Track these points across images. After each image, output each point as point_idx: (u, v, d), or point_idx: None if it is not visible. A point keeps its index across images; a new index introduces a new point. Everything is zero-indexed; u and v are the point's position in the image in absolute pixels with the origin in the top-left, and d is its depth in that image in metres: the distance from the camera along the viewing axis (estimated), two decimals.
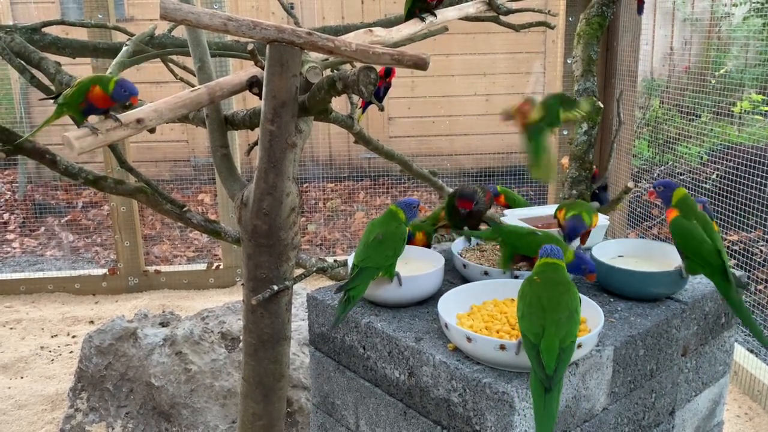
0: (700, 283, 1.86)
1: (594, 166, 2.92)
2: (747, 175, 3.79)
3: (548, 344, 1.33)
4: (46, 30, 2.94)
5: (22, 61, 2.47)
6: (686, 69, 5.09)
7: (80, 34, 4.20)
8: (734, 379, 3.52)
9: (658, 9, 5.29)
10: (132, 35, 2.81)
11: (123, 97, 1.83)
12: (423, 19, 2.37)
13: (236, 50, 2.94)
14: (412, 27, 2.43)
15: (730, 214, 3.78)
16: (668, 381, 1.74)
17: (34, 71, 2.46)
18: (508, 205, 2.74)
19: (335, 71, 1.82)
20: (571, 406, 1.46)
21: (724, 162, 4.48)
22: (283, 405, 2.14)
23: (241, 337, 2.13)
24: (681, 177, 4.99)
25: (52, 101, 1.97)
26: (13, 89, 6.14)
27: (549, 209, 2.39)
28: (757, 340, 1.62)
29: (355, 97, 2.62)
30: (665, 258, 1.85)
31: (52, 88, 2.42)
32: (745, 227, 3.76)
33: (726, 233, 4.01)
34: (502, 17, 2.96)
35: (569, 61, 4.33)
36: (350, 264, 1.73)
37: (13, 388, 3.68)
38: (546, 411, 1.30)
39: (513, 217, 2.26)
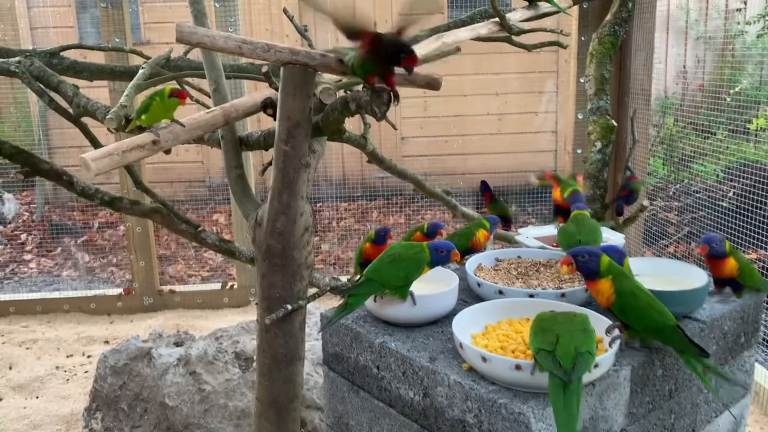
0: (718, 302, 1.83)
1: (630, 173, 2.93)
2: (764, 193, 3.74)
3: (564, 347, 1.34)
4: (64, 54, 3.00)
5: (41, 85, 2.51)
6: (700, 87, 5.07)
7: (98, 58, 4.27)
8: (755, 400, 3.45)
9: (671, 28, 5.29)
10: (148, 58, 2.85)
11: None
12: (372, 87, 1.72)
13: (251, 72, 2.97)
14: (425, 47, 2.45)
15: (748, 231, 3.74)
16: (688, 402, 1.71)
17: (53, 94, 2.50)
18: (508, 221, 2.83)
19: (348, 92, 1.83)
20: (589, 427, 1.44)
21: (741, 179, 4.44)
22: (297, 425, 2.13)
23: (255, 357, 2.12)
24: (697, 195, 4.95)
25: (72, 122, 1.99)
26: (31, 112, 6.24)
27: None
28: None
29: (369, 118, 2.64)
30: (682, 277, 1.83)
31: (70, 110, 2.46)
32: (763, 245, 3.71)
33: (744, 251, 3.96)
34: (514, 37, 2.97)
35: (582, 81, 4.32)
36: None
37: (29, 408, 3.69)
38: (566, 409, 1.26)
39: (529, 237, 2.25)
